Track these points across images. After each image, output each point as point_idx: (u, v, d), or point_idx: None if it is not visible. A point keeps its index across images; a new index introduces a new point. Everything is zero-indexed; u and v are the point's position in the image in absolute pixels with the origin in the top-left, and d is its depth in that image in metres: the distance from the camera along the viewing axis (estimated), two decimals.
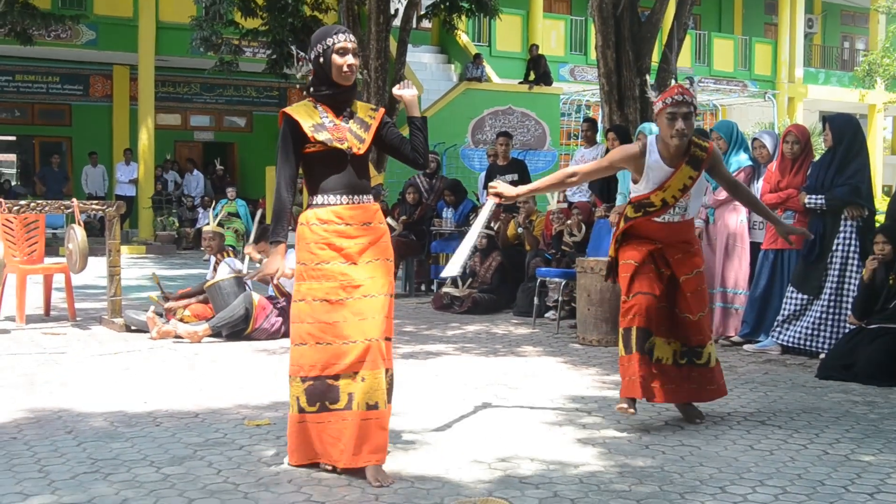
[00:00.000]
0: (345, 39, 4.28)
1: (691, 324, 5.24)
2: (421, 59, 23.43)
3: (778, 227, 5.67)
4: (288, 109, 4.30)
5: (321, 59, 4.27)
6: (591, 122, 11.65)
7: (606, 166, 5.27)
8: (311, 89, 4.38)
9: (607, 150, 9.97)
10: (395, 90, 4.56)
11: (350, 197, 4.29)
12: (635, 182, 5.24)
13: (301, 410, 4.22)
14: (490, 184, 5.17)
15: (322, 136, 4.24)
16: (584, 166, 5.36)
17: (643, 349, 5.10)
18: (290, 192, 4.29)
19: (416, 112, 4.54)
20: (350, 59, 4.28)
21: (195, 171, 22.67)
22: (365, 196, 4.34)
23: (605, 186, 9.50)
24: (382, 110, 4.55)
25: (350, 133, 4.32)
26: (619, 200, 8.75)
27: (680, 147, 5.10)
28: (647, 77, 11.45)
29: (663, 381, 5.20)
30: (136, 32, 21.61)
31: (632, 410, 5.08)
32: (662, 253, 5.26)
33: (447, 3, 18.06)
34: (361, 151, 4.34)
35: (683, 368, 5.27)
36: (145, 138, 21.27)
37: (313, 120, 4.28)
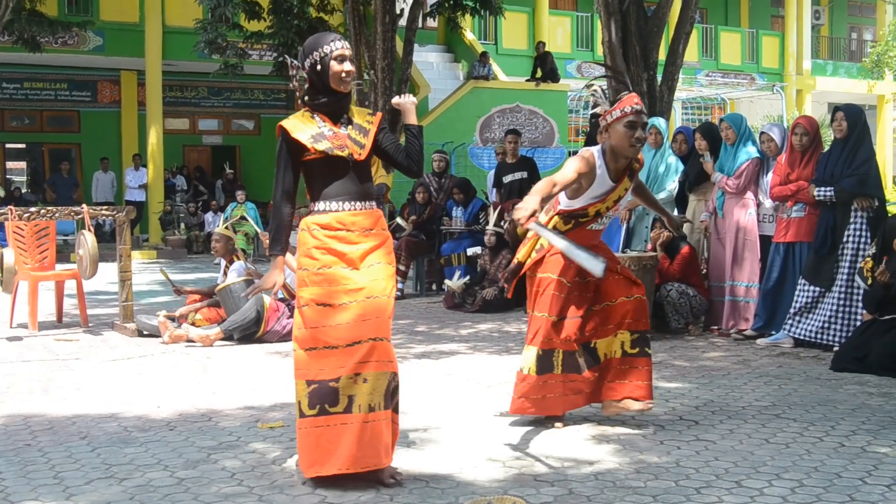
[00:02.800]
0: (342, 47, 4.25)
1: (637, 304, 5.04)
2: (427, 58, 23.41)
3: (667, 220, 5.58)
4: (285, 123, 4.27)
5: (318, 67, 4.23)
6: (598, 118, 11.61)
7: (574, 178, 4.89)
8: (307, 98, 4.34)
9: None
10: (394, 100, 4.56)
11: (352, 203, 4.25)
12: (571, 197, 5.02)
13: (302, 415, 4.15)
14: (514, 215, 4.87)
15: (323, 146, 4.21)
16: (560, 178, 4.86)
17: (570, 368, 5.03)
18: (288, 205, 4.28)
19: (412, 120, 4.51)
20: (347, 65, 4.25)
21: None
22: (367, 202, 4.31)
23: None
24: (380, 115, 4.52)
25: (350, 139, 4.29)
26: (665, 196, 8.72)
27: (629, 159, 4.99)
28: (654, 72, 11.43)
29: (600, 379, 5.09)
30: (143, 37, 21.64)
31: (559, 425, 5.08)
32: None
33: (451, 1, 18.04)
34: (363, 157, 4.31)
35: (629, 359, 5.05)
36: (154, 143, 21.31)
37: (312, 130, 4.25)
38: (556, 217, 5.10)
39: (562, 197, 5.06)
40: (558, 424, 5.10)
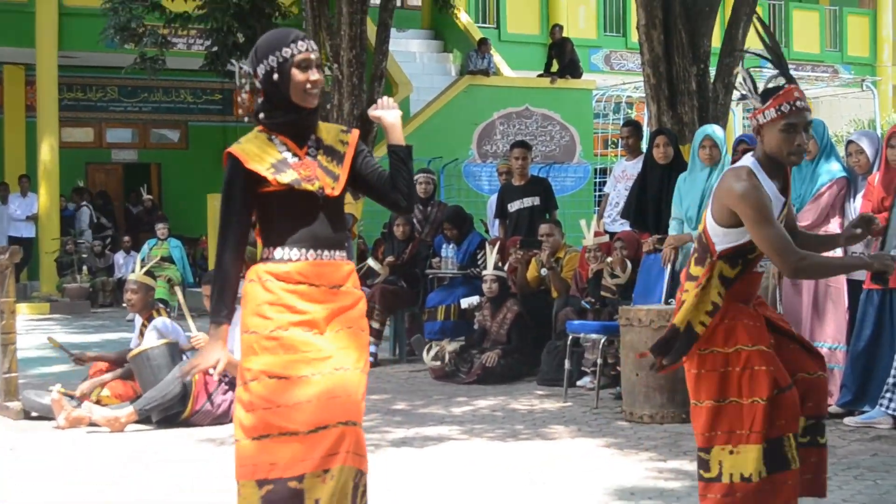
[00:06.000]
0: (306, 49, 4.21)
1: (820, 383, 4.99)
2: (409, 47, 23.52)
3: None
4: (234, 149, 4.22)
5: (275, 76, 4.20)
6: (633, 127, 11.66)
7: (775, 219, 4.73)
8: (262, 116, 4.31)
9: (649, 159, 9.91)
10: (372, 111, 4.49)
11: (318, 252, 4.24)
12: (730, 226, 4.81)
13: None
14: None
15: (287, 178, 4.18)
16: (773, 239, 4.69)
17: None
18: (236, 257, 4.22)
19: (398, 138, 4.43)
20: (314, 73, 4.22)
21: None
22: (337, 252, 4.30)
23: (639, 212, 9.54)
24: (356, 133, 4.47)
25: (320, 168, 4.27)
26: (674, 228, 8.74)
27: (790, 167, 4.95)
28: (707, 64, 11.51)
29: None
30: (33, 20, 21.57)
31: None
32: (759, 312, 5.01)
33: None
34: (336, 192, 4.29)
35: (803, 450, 4.93)
36: (48, 160, 21.22)
37: (271, 157, 4.22)
38: (718, 262, 4.82)
39: (717, 232, 4.84)
40: None
